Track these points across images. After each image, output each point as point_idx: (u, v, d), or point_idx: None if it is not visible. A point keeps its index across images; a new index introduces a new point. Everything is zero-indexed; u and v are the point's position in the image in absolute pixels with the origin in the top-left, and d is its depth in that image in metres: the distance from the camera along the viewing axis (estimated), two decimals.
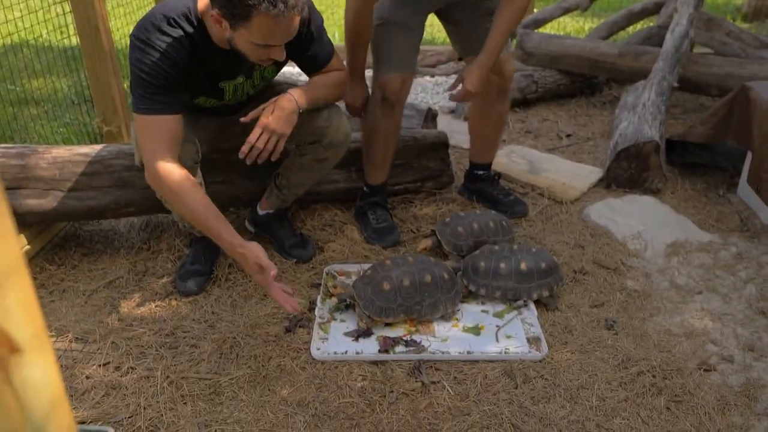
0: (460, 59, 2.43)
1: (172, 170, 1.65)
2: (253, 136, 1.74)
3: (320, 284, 1.97)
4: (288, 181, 2.08)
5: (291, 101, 1.77)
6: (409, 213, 2.42)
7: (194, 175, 1.81)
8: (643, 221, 2.27)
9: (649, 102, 2.73)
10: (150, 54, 1.61)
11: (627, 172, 2.53)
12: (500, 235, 2.11)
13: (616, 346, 1.72)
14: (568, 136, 3.14)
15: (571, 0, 3.62)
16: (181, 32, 1.65)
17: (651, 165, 2.48)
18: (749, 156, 2.39)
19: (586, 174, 2.65)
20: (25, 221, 2.06)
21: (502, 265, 1.88)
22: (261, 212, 2.19)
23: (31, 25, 3.29)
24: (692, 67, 3.16)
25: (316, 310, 1.86)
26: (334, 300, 1.89)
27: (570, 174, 2.63)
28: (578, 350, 1.71)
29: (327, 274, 2.02)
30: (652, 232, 2.21)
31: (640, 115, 2.66)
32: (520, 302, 1.88)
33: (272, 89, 2.03)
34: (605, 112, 3.41)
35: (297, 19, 1.58)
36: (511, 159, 2.77)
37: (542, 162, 2.75)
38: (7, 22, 3.15)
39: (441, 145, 2.51)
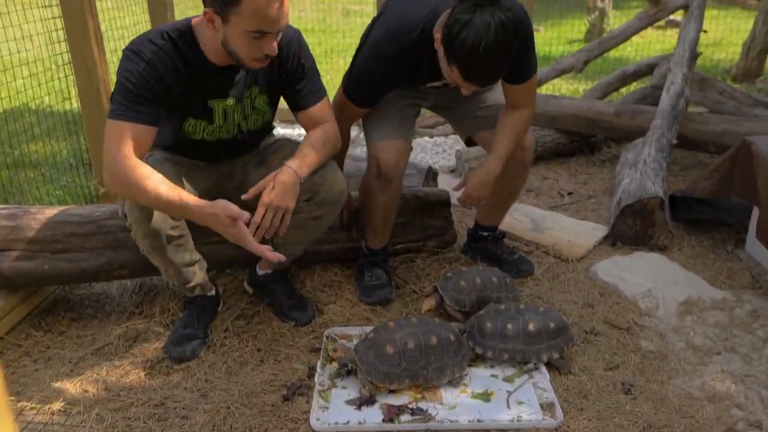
0: (468, 143, 2.30)
1: (134, 165, 1.61)
2: (257, 217, 1.72)
3: (320, 348, 1.88)
4: (284, 240, 2.01)
5: (291, 174, 1.75)
6: (412, 272, 2.35)
7: (178, 231, 1.77)
8: (652, 279, 2.20)
9: (649, 158, 2.72)
10: (136, 63, 1.62)
11: (632, 228, 2.48)
12: (504, 291, 2.04)
13: (635, 412, 1.62)
14: (569, 194, 3.11)
15: (565, 62, 3.68)
16: (170, 45, 1.66)
17: (656, 221, 2.44)
18: (755, 211, 2.35)
19: (591, 231, 2.60)
20: (12, 284, 1.98)
21: (509, 326, 1.80)
22: (260, 272, 2.13)
23: (32, 88, 3.32)
24: (689, 124, 3.17)
25: (316, 376, 1.77)
26: (335, 365, 1.80)
27: (574, 231, 2.58)
28: (595, 417, 1.60)
29: (327, 337, 1.94)
30: (662, 289, 2.14)
31: (641, 172, 2.63)
32: (531, 365, 1.79)
33: (269, 146, 2.00)
34: (605, 170, 3.40)
35: (287, 4, 1.59)
36: (514, 217, 2.72)
37: (545, 220, 2.71)
38: (7, 83, 3.18)
39: (443, 203, 2.47)
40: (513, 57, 1.69)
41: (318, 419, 1.61)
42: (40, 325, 2.05)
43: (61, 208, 2.05)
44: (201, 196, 1.92)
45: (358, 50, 1.99)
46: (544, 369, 1.78)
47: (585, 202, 3.00)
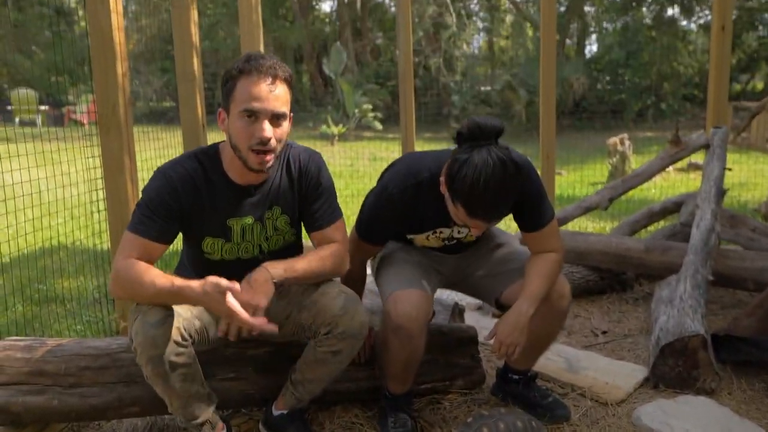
0: (498, 307, 2.17)
1: (134, 263, 1.69)
2: (222, 328, 1.74)
3: None
4: (303, 377, 1.92)
5: (263, 271, 1.76)
6: (438, 415, 2.19)
7: (183, 359, 1.70)
8: (702, 425, 2.01)
9: (686, 295, 2.61)
10: (158, 181, 1.75)
11: (674, 370, 2.32)
12: None
13: None
14: (603, 333, 2.97)
15: (590, 200, 3.70)
16: (195, 165, 1.79)
17: (700, 362, 2.28)
18: None
19: (630, 372, 2.44)
20: (20, 420, 1.89)
21: None
22: (275, 413, 2.01)
23: (71, 231, 3.45)
24: (724, 261, 3.09)
25: None
26: None
27: (612, 373, 2.43)
28: None
29: None
30: None
31: (678, 309, 2.52)
32: None
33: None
34: (639, 309, 3.27)
35: (279, 86, 1.71)
36: (547, 357, 2.57)
37: (580, 360, 2.57)
38: (50, 227, 3.32)
39: (470, 340, 2.36)
40: (515, 191, 1.74)
41: None
42: None
43: (78, 341, 2.01)
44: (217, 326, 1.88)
45: (369, 193, 2.07)
46: None
47: (621, 342, 2.85)
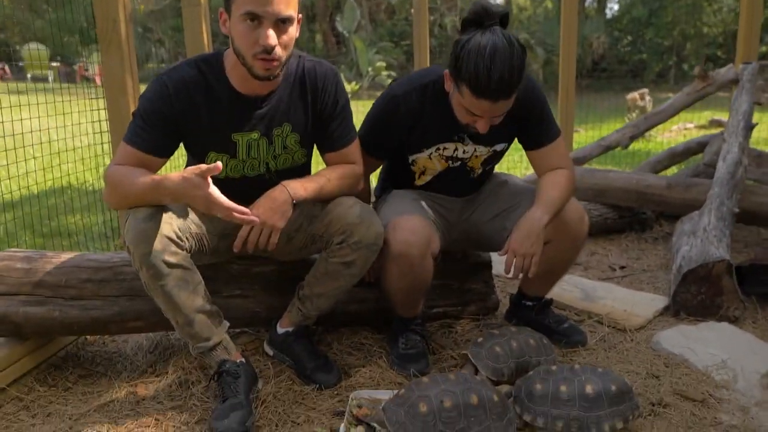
0: None
1: (121, 166, 1.64)
2: (244, 231, 1.66)
3: (344, 412, 1.66)
4: (311, 291, 1.85)
5: (283, 192, 1.68)
6: (450, 338, 2.13)
7: (178, 259, 1.62)
8: (726, 350, 1.93)
9: (710, 226, 2.50)
10: (153, 88, 1.65)
11: (697, 297, 2.23)
12: (544, 355, 1.84)
13: None
14: (621, 267, 2.88)
15: (610, 138, 3.57)
16: (195, 72, 1.67)
17: (724, 288, 2.19)
18: None
19: (649, 301, 2.35)
20: (21, 331, 1.85)
21: (563, 389, 1.55)
22: (280, 331, 1.94)
23: (78, 171, 3.40)
24: (750, 197, 2.96)
25: None
26: (361, 429, 1.57)
27: (630, 301, 2.34)
28: None
29: (353, 400, 1.71)
30: (740, 361, 1.86)
31: (702, 239, 2.42)
32: None
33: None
34: (659, 247, 3.17)
35: None
36: (562, 287, 2.50)
37: (596, 290, 2.48)
38: (59, 167, 3.29)
39: (484, 265, 2.28)
40: (521, 71, 1.65)
41: None
42: (45, 380, 1.89)
43: (79, 254, 1.95)
44: (222, 238, 1.81)
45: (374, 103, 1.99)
46: None
47: (639, 276, 2.76)
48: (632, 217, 3.36)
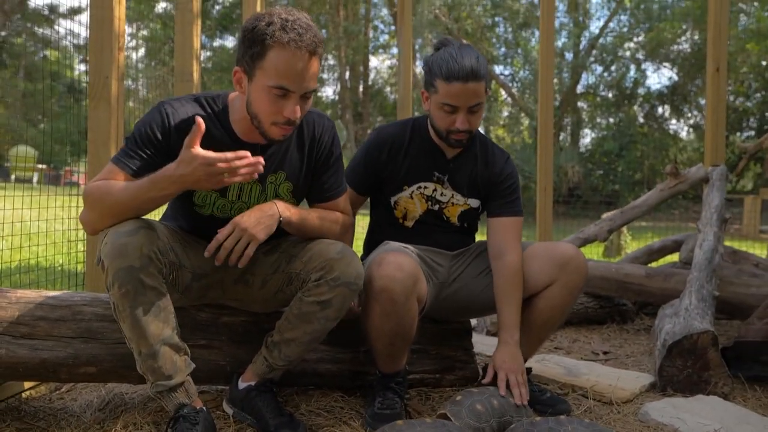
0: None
1: (106, 181, 1.56)
2: (222, 233, 1.57)
3: None
4: (281, 337, 1.74)
5: (272, 207, 1.64)
6: (428, 405, 1.99)
7: (154, 282, 1.52)
8: (718, 420, 1.82)
9: (691, 306, 2.46)
10: (153, 115, 1.61)
11: (683, 372, 2.14)
12: (524, 416, 1.73)
13: None
14: (605, 353, 2.79)
15: (588, 231, 3.61)
16: (198, 110, 1.64)
17: (711, 362, 2.11)
18: None
19: (635, 378, 2.25)
20: None
21: None
22: (242, 385, 1.79)
23: (52, 255, 3.34)
24: (728, 288, 2.95)
25: None
26: None
27: (615, 377, 2.24)
28: None
29: None
30: (732, 430, 1.75)
31: (684, 317, 2.36)
32: None
33: (285, 237, 1.82)
34: (641, 338, 3.10)
35: (314, 63, 1.56)
36: (545, 364, 2.40)
37: (580, 368, 2.38)
38: (30, 247, 3.23)
39: (464, 332, 2.20)
40: (485, 66, 1.86)
41: None
42: None
43: (39, 291, 1.84)
44: (195, 278, 1.73)
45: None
46: None
47: (624, 360, 2.67)
48: (612, 307, 3.32)
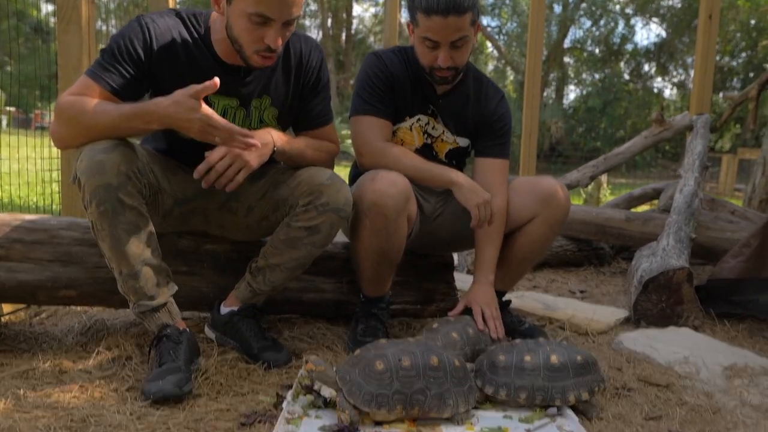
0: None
1: (83, 96, 1.50)
2: (214, 156, 1.52)
3: (292, 385, 1.52)
4: (266, 262, 1.74)
5: (267, 134, 1.62)
6: (408, 334, 2.03)
7: (134, 201, 1.50)
8: (688, 348, 1.88)
9: (669, 247, 2.51)
10: (132, 28, 1.55)
11: (657, 306, 2.20)
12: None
13: None
14: (581, 291, 2.85)
15: (570, 176, 3.63)
16: (180, 25, 1.60)
17: (684, 297, 2.17)
18: None
19: (610, 312, 2.31)
20: None
21: (528, 359, 1.47)
22: (224, 310, 1.79)
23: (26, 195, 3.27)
24: (705, 232, 3.00)
25: (284, 404, 1.40)
26: (310, 398, 1.44)
27: (591, 311, 2.30)
28: None
29: (305, 362, 1.57)
30: (702, 357, 1.81)
31: (662, 256, 2.41)
32: (553, 409, 1.43)
33: (269, 164, 1.81)
34: (617, 280, 3.16)
35: None
36: (523, 300, 2.45)
37: (558, 303, 2.43)
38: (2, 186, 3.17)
39: (446, 266, 2.22)
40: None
41: None
42: None
43: (13, 214, 1.81)
44: (177, 203, 1.72)
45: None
46: (569, 412, 1.42)
47: (600, 298, 2.73)
48: (590, 250, 3.38)
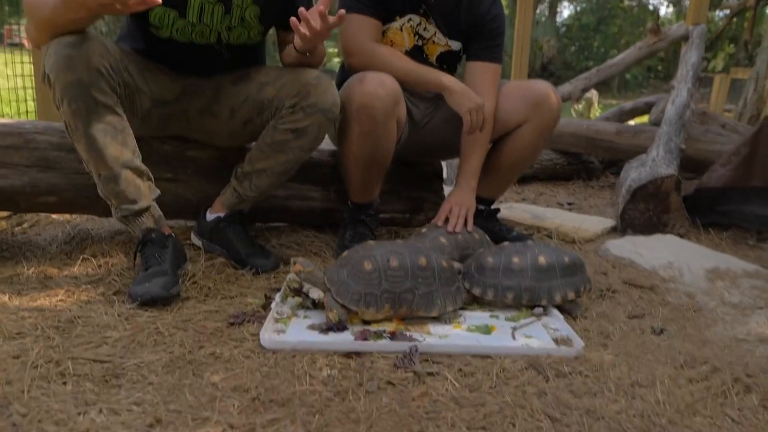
0: None
1: None
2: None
3: (280, 289, 1.53)
4: (252, 167, 1.71)
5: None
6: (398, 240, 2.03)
7: (108, 99, 1.43)
8: (672, 254, 1.90)
9: (658, 157, 2.49)
10: None
11: (645, 215, 2.21)
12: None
13: (673, 348, 1.27)
14: (569, 204, 2.86)
15: (562, 89, 3.56)
16: None
17: (671, 205, 2.18)
18: None
19: (598, 221, 2.32)
20: None
21: (516, 260, 1.47)
22: (210, 217, 1.77)
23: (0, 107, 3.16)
24: (695, 144, 2.99)
25: (273, 305, 1.41)
26: (298, 300, 1.44)
27: (579, 220, 2.31)
28: (623, 353, 1.25)
29: (293, 264, 1.57)
30: (686, 261, 1.83)
31: (651, 166, 2.40)
32: (539, 309, 1.45)
33: (252, 66, 1.74)
34: (605, 193, 3.17)
35: None
36: (512, 211, 2.45)
37: (546, 213, 2.44)
38: None
39: (434, 175, 2.20)
40: None
41: (270, 338, 1.24)
42: None
43: None
44: (155, 104, 1.66)
45: None
46: (555, 311, 1.44)
47: (587, 210, 2.74)
48: (580, 164, 3.36)
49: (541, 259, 1.46)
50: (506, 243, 1.56)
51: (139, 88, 1.59)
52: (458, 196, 1.86)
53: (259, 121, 1.70)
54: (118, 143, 1.47)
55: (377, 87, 1.64)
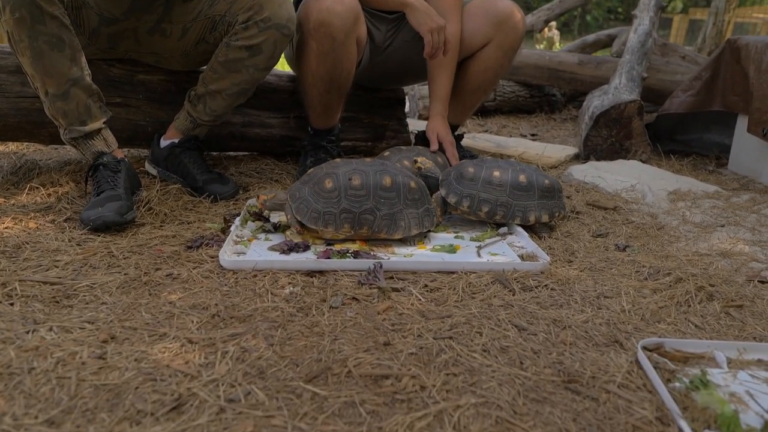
0: None
1: None
2: None
3: (239, 214, 1.48)
4: (206, 89, 1.62)
5: None
6: None
7: (54, 9, 1.32)
8: (635, 177, 1.91)
9: (621, 85, 2.48)
10: None
11: (607, 141, 2.21)
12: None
13: (637, 262, 1.28)
14: (532, 135, 2.85)
15: (526, 20, 3.50)
16: None
17: (634, 131, 2.18)
18: (739, 123, 2.13)
19: (561, 149, 2.32)
20: None
21: (497, 174, 1.44)
22: (164, 143, 1.69)
23: None
24: (656, 75, 2.99)
25: (233, 228, 1.36)
26: (259, 224, 1.40)
27: (542, 148, 2.30)
28: (588, 267, 1.26)
29: (253, 202, 1.53)
30: (648, 184, 1.85)
31: (613, 93, 2.39)
32: (504, 229, 1.43)
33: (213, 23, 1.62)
34: (567, 125, 3.17)
35: None
36: (475, 140, 2.42)
37: (509, 142, 2.42)
38: None
39: (397, 101, 2.15)
40: None
41: (230, 259, 1.19)
42: None
43: None
44: (103, 21, 1.54)
45: None
46: (520, 229, 1.43)
47: (550, 140, 2.74)
48: (542, 97, 3.34)
49: (522, 177, 1.44)
50: (489, 157, 1.53)
51: (86, 2, 1.47)
52: (438, 125, 1.83)
53: (212, 39, 1.61)
54: (66, 58, 1.37)
55: (335, 3, 1.56)
